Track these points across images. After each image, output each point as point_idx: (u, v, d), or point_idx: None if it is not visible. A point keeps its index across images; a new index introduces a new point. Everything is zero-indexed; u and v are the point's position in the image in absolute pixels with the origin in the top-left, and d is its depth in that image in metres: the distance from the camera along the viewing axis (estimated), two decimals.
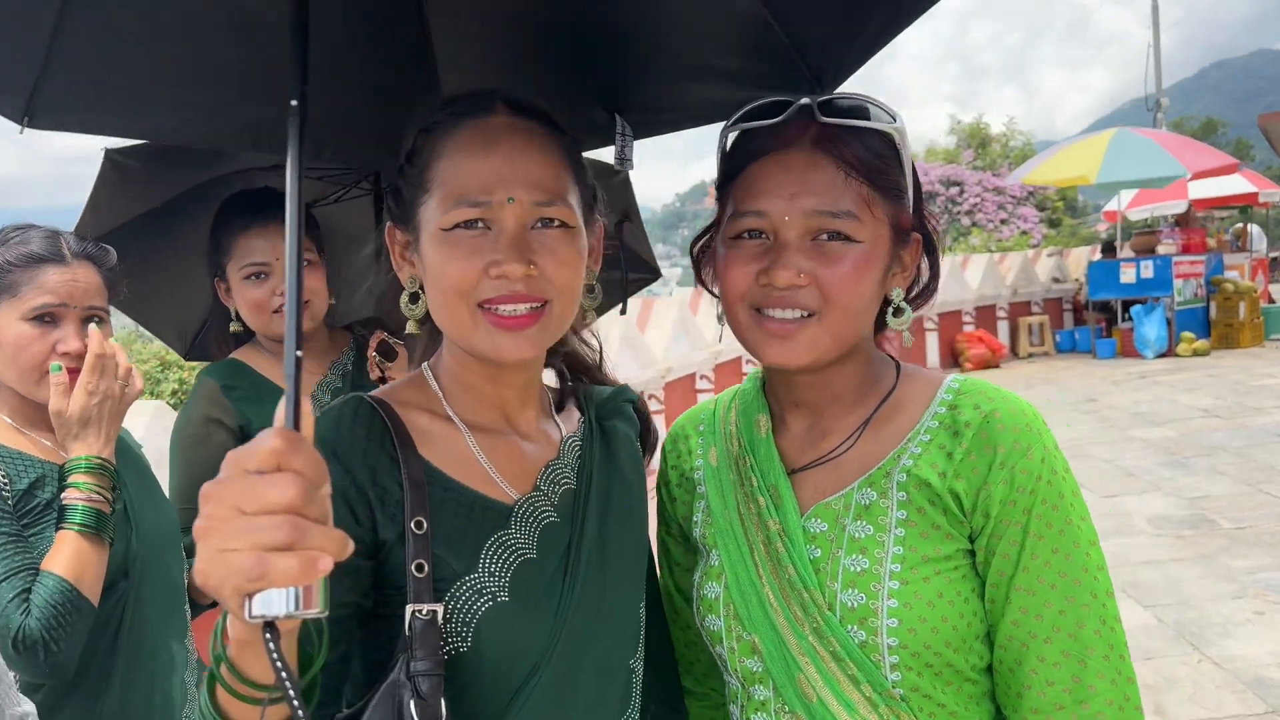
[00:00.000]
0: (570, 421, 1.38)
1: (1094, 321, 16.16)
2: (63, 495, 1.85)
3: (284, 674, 0.85)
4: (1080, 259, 18.26)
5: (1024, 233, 23.17)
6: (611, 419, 1.41)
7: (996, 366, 15.45)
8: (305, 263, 2.24)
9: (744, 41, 1.47)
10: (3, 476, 1.86)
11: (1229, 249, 17.65)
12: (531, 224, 1.18)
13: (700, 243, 1.38)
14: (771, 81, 1.51)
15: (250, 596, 0.82)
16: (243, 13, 1.35)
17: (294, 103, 0.98)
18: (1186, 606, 5.44)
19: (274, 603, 0.82)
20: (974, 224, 23.24)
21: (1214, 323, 15.40)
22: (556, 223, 1.19)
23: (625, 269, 2.58)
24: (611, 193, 2.62)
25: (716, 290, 1.31)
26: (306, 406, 0.88)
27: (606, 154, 2.68)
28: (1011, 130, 27.23)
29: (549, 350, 1.37)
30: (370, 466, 1.16)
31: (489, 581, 1.16)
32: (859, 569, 1.20)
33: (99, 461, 1.89)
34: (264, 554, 0.80)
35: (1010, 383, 13.84)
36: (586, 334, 1.45)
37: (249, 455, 0.84)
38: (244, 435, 2.24)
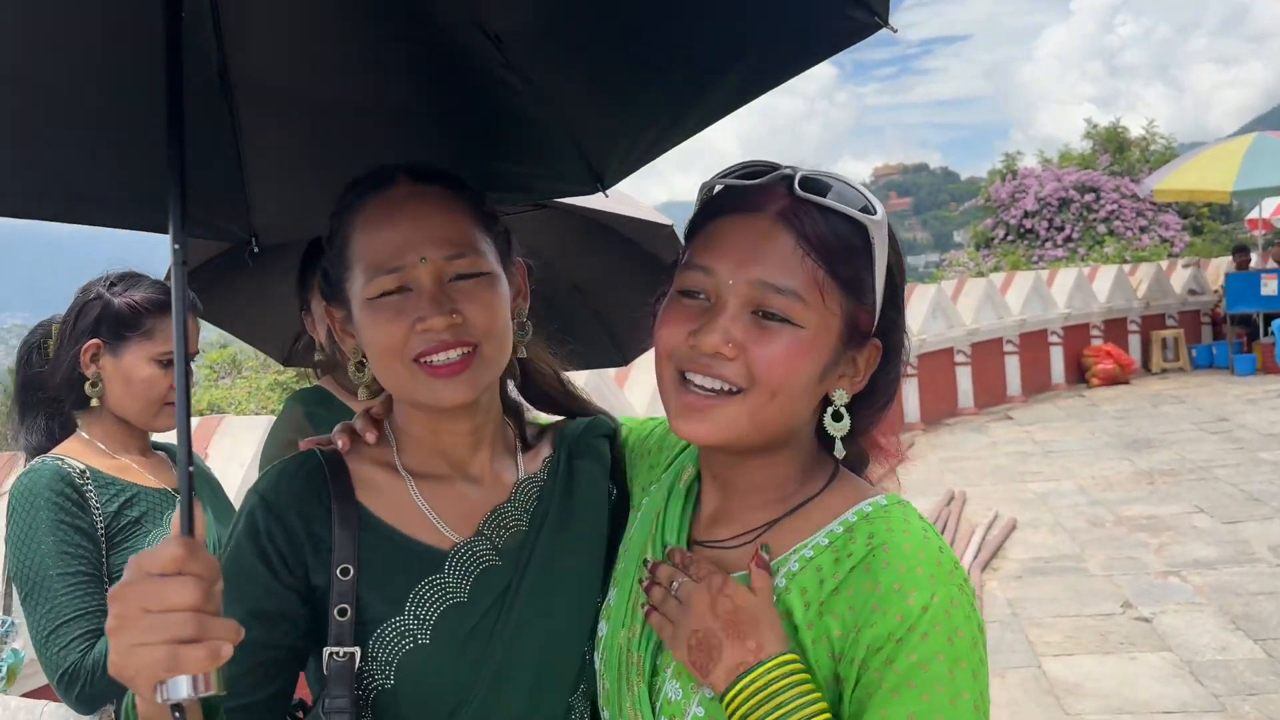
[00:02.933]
0: (535, 461, 1.43)
1: (1233, 336, 15.41)
2: None
3: None
4: (1219, 269, 17.42)
5: (1164, 241, 22.20)
6: (580, 458, 1.44)
7: (1126, 382, 14.90)
8: None
9: (536, 139, 1.61)
10: (96, 505, 2.10)
11: None
12: (448, 277, 1.26)
13: (662, 298, 1.29)
14: (558, 173, 1.68)
15: (161, 683, 0.95)
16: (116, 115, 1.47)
17: (176, 247, 1.12)
18: None
19: (181, 688, 0.96)
20: (1110, 232, 22.39)
21: None
22: (472, 273, 1.27)
23: None
24: (660, 244, 2.77)
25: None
26: (199, 512, 1.02)
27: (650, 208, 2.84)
28: (1151, 133, 26.13)
29: (523, 389, 1.46)
30: (305, 516, 1.26)
31: (413, 624, 1.24)
32: None
33: None
34: (175, 647, 0.94)
35: (1138, 400, 13.36)
36: (542, 365, 1.51)
37: (151, 561, 0.97)
38: None
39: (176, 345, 1.10)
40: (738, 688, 1.07)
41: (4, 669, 2.17)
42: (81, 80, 1.44)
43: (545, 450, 1.46)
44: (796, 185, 1.16)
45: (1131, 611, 5.87)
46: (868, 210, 1.16)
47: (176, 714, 0.98)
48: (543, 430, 1.50)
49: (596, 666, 1.31)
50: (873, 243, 1.16)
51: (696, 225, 1.24)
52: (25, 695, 2.38)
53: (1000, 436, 11.80)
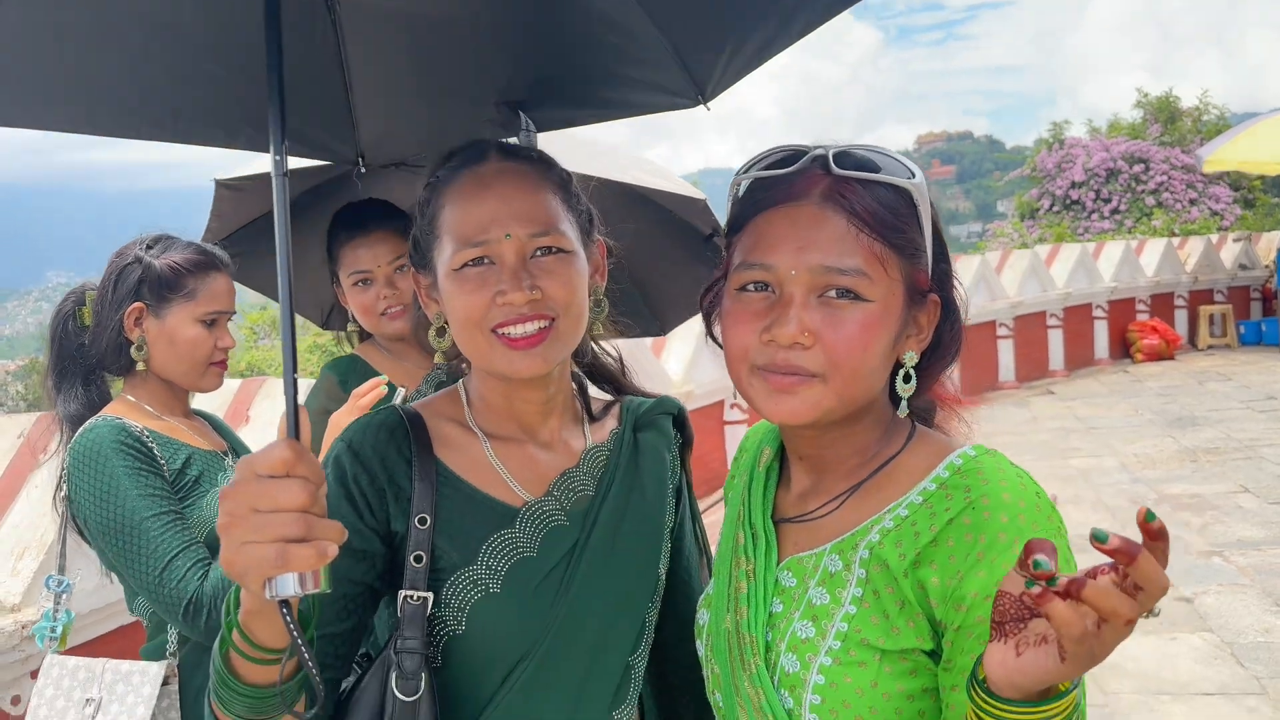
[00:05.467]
0: (602, 432, 1.49)
1: None
2: None
3: (298, 640, 1.05)
4: (1271, 244, 17.05)
5: (1215, 214, 21.74)
6: (645, 430, 1.51)
7: (1171, 358, 14.68)
8: (406, 266, 2.46)
9: (635, 51, 1.60)
10: (161, 459, 2.11)
11: None
12: (530, 253, 1.31)
13: (709, 293, 1.32)
14: (659, 86, 1.66)
15: (270, 580, 1.00)
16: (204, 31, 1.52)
17: (275, 158, 1.15)
18: None
19: (289, 584, 1.00)
20: (1159, 204, 21.96)
21: None
22: (554, 249, 1.33)
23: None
24: (695, 215, 2.76)
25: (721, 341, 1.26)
26: (304, 418, 1.05)
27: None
28: (1204, 103, 25.51)
29: (576, 361, 1.51)
30: (387, 466, 1.32)
31: (485, 574, 1.31)
32: (804, 636, 1.16)
33: None
34: (284, 545, 0.98)
35: (1183, 376, 13.16)
36: (607, 345, 1.58)
37: (261, 462, 1.01)
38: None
39: (280, 255, 1.14)
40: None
41: (60, 629, 2.20)
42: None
43: (611, 423, 1.52)
44: (833, 164, 1.17)
45: (1172, 591, 5.79)
46: (908, 173, 1.18)
47: (284, 610, 1.03)
48: (609, 405, 1.55)
49: (701, 653, 1.34)
50: (918, 205, 1.18)
51: (740, 223, 1.24)
52: (72, 651, 2.42)
53: (1041, 411, 11.68)
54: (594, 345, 1.56)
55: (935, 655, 1.11)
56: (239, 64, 1.56)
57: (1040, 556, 0.84)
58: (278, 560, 0.98)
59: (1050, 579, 0.83)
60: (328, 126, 1.83)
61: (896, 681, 1.10)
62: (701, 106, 1.69)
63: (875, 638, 1.11)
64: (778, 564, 1.25)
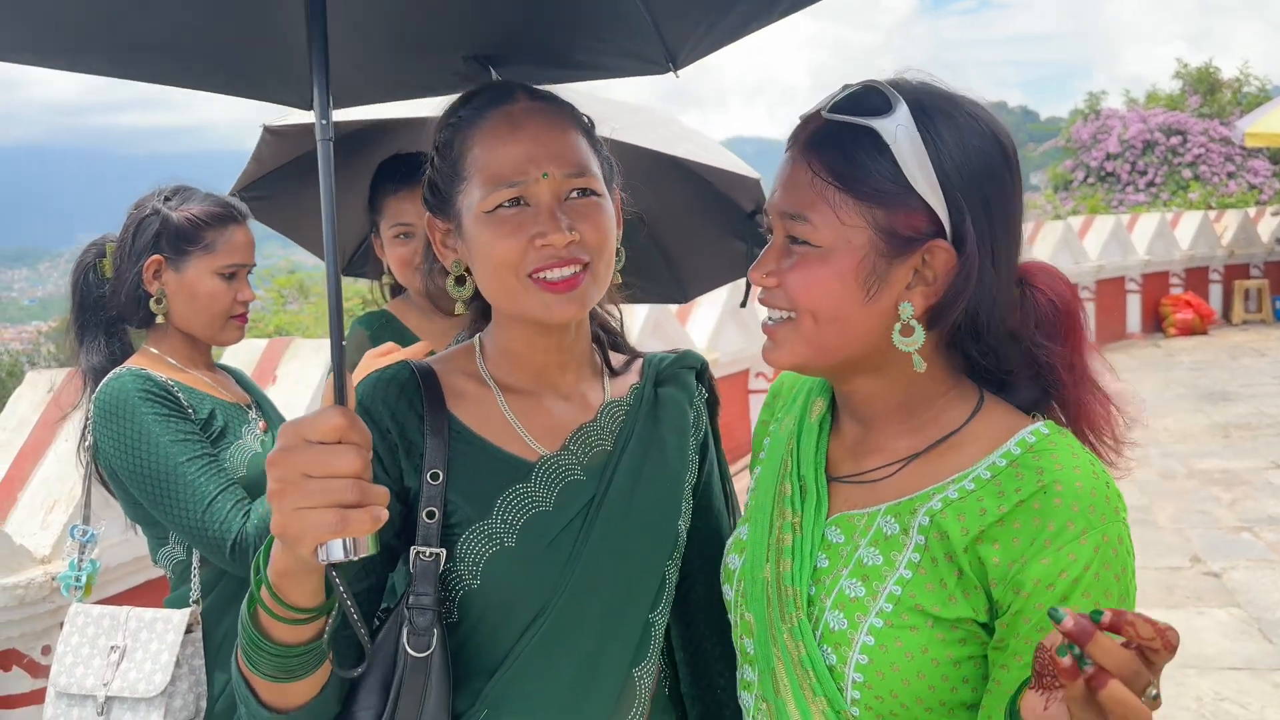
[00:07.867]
0: (621, 387, 1.46)
1: None
2: None
3: (349, 601, 1.09)
4: None
5: (1253, 187, 21.34)
6: (666, 385, 1.48)
7: (1204, 333, 14.49)
8: None
9: (611, 14, 1.54)
10: (188, 406, 2.12)
11: None
12: (565, 195, 1.29)
13: None
14: (631, 51, 1.62)
15: (321, 544, 1.01)
16: None
17: (322, 121, 1.13)
18: None
19: (338, 549, 1.01)
20: (1196, 177, 21.58)
21: None
22: (588, 192, 1.30)
23: (752, 253, 2.67)
24: (746, 194, 2.71)
25: None
26: (350, 385, 1.07)
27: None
28: (1245, 75, 24.95)
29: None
30: (399, 422, 1.31)
31: (500, 529, 1.29)
32: (854, 595, 1.16)
33: None
34: (343, 510, 0.99)
35: (1216, 351, 12.99)
36: (613, 308, 1.54)
37: (311, 428, 1.01)
38: None
39: (326, 223, 1.12)
40: None
41: (84, 578, 2.22)
42: None
43: (632, 378, 1.49)
44: (826, 108, 1.15)
45: (1200, 566, 5.75)
46: (877, 112, 1.11)
47: (335, 573, 1.07)
48: (630, 360, 1.52)
49: (729, 598, 1.33)
50: (889, 145, 1.10)
51: None
52: (103, 601, 2.44)
53: None
54: (608, 301, 1.52)
55: (988, 628, 1.11)
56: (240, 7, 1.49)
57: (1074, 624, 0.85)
58: (338, 525, 0.99)
59: (1081, 659, 0.85)
60: (284, 73, 1.77)
61: (946, 649, 1.11)
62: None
63: (930, 604, 1.12)
64: (826, 519, 1.25)
